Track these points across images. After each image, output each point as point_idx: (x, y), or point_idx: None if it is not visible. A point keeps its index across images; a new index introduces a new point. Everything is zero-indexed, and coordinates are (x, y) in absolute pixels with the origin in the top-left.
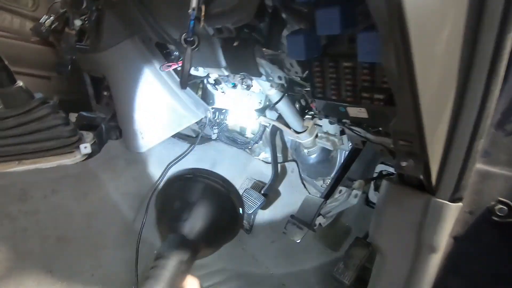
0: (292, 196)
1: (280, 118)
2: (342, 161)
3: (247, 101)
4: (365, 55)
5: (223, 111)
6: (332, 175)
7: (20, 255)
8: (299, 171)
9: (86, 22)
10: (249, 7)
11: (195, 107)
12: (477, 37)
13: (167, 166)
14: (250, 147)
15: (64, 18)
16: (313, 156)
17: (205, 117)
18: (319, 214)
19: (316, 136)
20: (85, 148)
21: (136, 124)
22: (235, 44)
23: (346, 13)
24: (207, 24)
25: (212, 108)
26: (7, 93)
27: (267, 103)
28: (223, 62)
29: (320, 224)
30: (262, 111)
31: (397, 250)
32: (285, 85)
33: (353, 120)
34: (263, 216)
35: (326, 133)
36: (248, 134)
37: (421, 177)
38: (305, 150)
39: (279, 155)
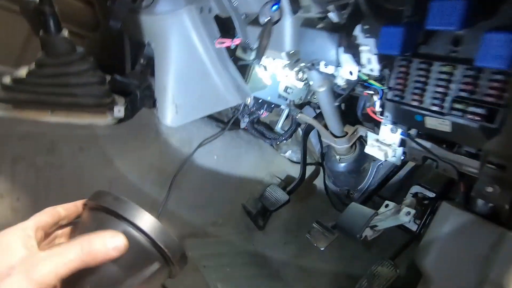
0: (312, 200)
1: (317, 118)
2: (373, 175)
3: (287, 95)
4: (488, 60)
5: (260, 101)
6: (361, 186)
7: (39, 207)
8: (324, 176)
9: None
10: None
11: (237, 91)
12: None
13: (198, 146)
14: (278, 143)
15: None
16: (343, 164)
17: (243, 103)
18: (368, 226)
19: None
20: (119, 111)
21: (174, 97)
22: (319, 26)
23: (471, 8)
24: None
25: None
26: (52, 40)
27: (308, 99)
28: (289, 45)
29: (366, 236)
30: (300, 108)
31: (451, 282)
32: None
33: (427, 132)
34: (279, 215)
35: (379, 141)
36: (278, 130)
37: (506, 207)
38: (337, 157)
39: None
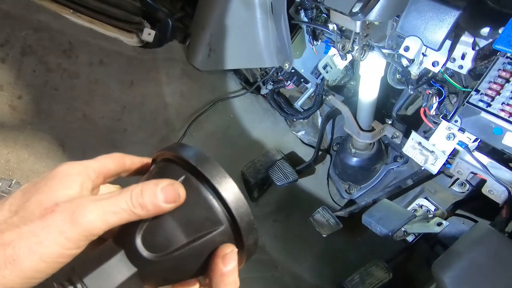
0: (311, 185)
1: (345, 104)
2: (381, 177)
3: (323, 73)
4: None
5: (292, 70)
6: (365, 185)
7: (41, 112)
8: (330, 165)
9: None
10: None
11: (277, 52)
12: None
13: (217, 99)
14: (294, 120)
15: None
16: (356, 159)
17: (280, 68)
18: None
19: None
20: (149, 34)
21: (211, 39)
22: None
23: None
24: None
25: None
26: None
27: (342, 83)
28: (376, 14)
29: (395, 236)
30: (332, 90)
31: None
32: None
33: (497, 149)
34: (274, 191)
35: (422, 145)
36: (297, 107)
37: None
38: (352, 150)
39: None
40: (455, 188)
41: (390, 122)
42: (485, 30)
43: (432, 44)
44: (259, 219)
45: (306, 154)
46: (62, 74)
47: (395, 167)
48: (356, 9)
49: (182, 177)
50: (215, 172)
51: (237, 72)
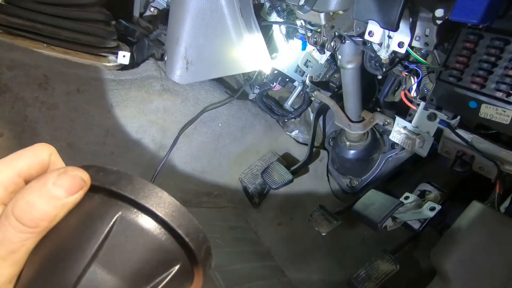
0: (311, 184)
1: (334, 98)
2: (380, 167)
3: (306, 69)
4: None
5: (275, 72)
6: (365, 177)
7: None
8: (328, 161)
9: None
10: None
11: (255, 55)
12: None
13: (203, 109)
14: (285, 120)
15: None
16: (353, 151)
17: (259, 72)
18: (391, 216)
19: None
20: (124, 57)
21: (186, 52)
22: None
23: None
24: None
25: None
26: None
27: (326, 77)
28: (334, 4)
29: (386, 226)
30: (317, 86)
31: (474, 284)
32: (399, 56)
33: (477, 122)
34: (276, 195)
35: (408, 129)
36: (287, 107)
37: None
38: (347, 143)
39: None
40: (457, 168)
41: (379, 110)
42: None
43: (389, 25)
44: (263, 225)
45: (303, 153)
46: (40, 107)
47: (393, 154)
48: (301, 2)
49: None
50: (138, 187)
51: (219, 80)
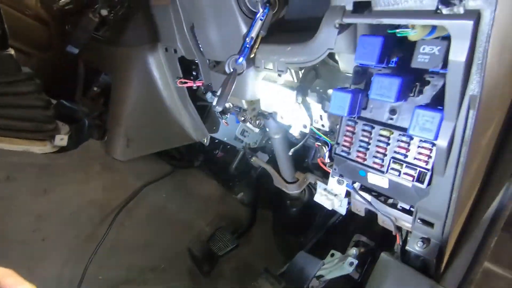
0: (260, 245)
1: (270, 163)
2: (321, 221)
3: (243, 138)
4: (418, 130)
5: (216, 141)
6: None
7: None
8: (274, 221)
9: (112, 14)
10: (315, 53)
11: (193, 129)
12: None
13: (143, 185)
14: (230, 184)
15: (82, 2)
16: (294, 209)
17: (199, 142)
18: (315, 276)
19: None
20: (61, 139)
21: (127, 130)
22: (280, 82)
23: (404, 86)
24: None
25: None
26: None
27: (263, 143)
28: (249, 95)
29: (312, 287)
30: (255, 152)
31: None
32: (307, 134)
33: (369, 187)
34: (227, 260)
35: (327, 191)
36: (232, 171)
37: (434, 261)
38: (287, 202)
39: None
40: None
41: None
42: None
43: (288, 115)
44: None
45: (249, 215)
46: None
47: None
48: (214, 102)
49: None
50: None
51: (162, 152)
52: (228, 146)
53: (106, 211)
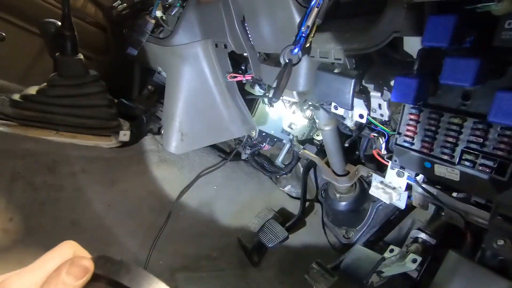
0: (309, 238)
1: (319, 155)
2: (372, 216)
3: (291, 131)
4: (501, 116)
5: (263, 134)
6: (360, 226)
7: (31, 229)
8: (322, 214)
9: (165, 14)
10: (378, 38)
11: (242, 123)
12: None
13: (198, 174)
14: (277, 177)
15: (136, 7)
16: (344, 203)
17: (248, 135)
18: (375, 272)
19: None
20: (124, 135)
21: (180, 125)
22: (336, 70)
23: (483, 67)
24: (314, 44)
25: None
26: (67, 61)
27: (310, 135)
28: (302, 85)
29: (372, 282)
30: (303, 144)
31: None
32: (363, 124)
33: (435, 179)
34: (275, 251)
35: (384, 183)
36: (278, 163)
37: None
38: (337, 195)
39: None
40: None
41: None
42: (381, 88)
43: (345, 105)
44: (265, 285)
45: (297, 207)
46: (48, 190)
47: (382, 203)
48: (270, 95)
49: None
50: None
51: (212, 146)
52: (275, 139)
53: (164, 201)
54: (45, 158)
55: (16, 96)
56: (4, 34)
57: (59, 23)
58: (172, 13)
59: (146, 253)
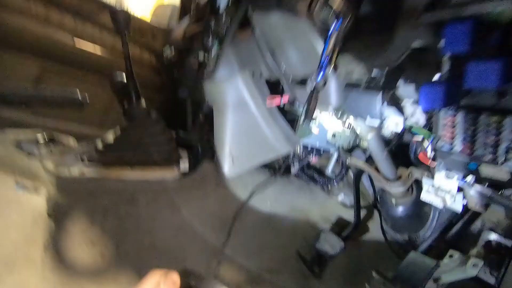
0: (370, 246)
1: (368, 161)
2: (436, 219)
3: (335, 141)
4: None
5: (309, 148)
6: (423, 232)
7: (119, 254)
8: (381, 221)
9: (207, 55)
10: (397, 53)
11: (286, 140)
12: None
13: (252, 192)
14: (329, 186)
15: (182, 54)
16: (401, 208)
17: (293, 151)
18: (431, 279)
19: (412, 188)
20: (184, 164)
21: (230, 150)
22: (362, 86)
23: (507, 67)
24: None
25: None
26: (134, 108)
27: (356, 143)
28: (334, 103)
29: None
30: (349, 152)
31: None
32: (400, 132)
33: (483, 180)
34: (336, 262)
35: (436, 187)
36: (329, 174)
37: None
38: (393, 200)
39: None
40: None
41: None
42: (412, 94)
43: (376, 117)
44: None
45: (352, 215)
46: (129, 218)
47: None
48: (301, 122)
49: None
50: None
51: (264, 165)
52: (322, 152)
53: (224, 220)
54: (125, 192)
55: (100, 145)
56: (87, 97)
57: (124, 74)
58: (213, 55)
59: (213, 269)
